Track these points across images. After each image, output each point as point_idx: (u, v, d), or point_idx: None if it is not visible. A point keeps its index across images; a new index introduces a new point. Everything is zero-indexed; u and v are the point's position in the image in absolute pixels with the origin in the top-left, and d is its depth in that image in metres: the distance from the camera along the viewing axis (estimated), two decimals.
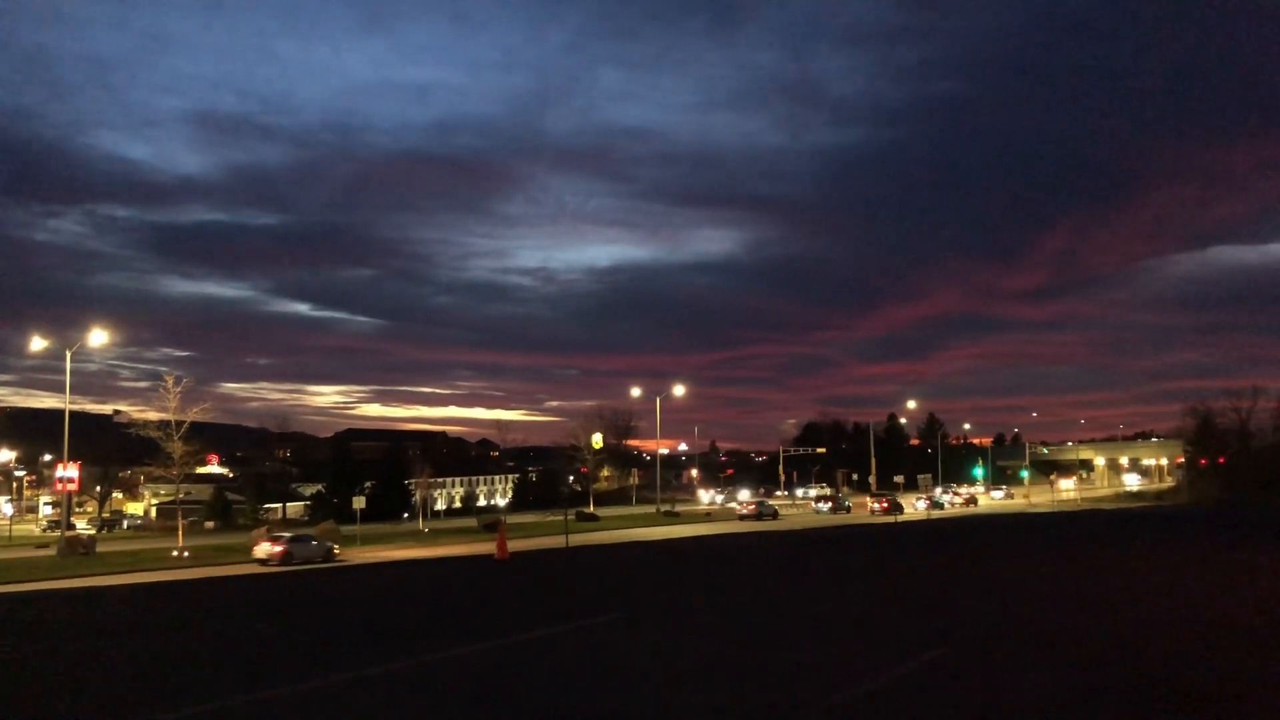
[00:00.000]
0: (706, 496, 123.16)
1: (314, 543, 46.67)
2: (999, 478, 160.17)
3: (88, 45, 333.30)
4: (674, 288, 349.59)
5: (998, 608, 18.34)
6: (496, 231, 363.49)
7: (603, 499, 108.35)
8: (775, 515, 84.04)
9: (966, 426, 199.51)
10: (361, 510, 59.81)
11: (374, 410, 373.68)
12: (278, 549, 44.07)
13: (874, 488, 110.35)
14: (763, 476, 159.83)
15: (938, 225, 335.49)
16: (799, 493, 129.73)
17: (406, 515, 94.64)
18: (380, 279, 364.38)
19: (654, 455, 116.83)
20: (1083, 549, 35.74)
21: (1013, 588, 22.58)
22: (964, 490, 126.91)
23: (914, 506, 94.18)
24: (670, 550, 41.44)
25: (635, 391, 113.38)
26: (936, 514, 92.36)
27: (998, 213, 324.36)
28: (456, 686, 11.37)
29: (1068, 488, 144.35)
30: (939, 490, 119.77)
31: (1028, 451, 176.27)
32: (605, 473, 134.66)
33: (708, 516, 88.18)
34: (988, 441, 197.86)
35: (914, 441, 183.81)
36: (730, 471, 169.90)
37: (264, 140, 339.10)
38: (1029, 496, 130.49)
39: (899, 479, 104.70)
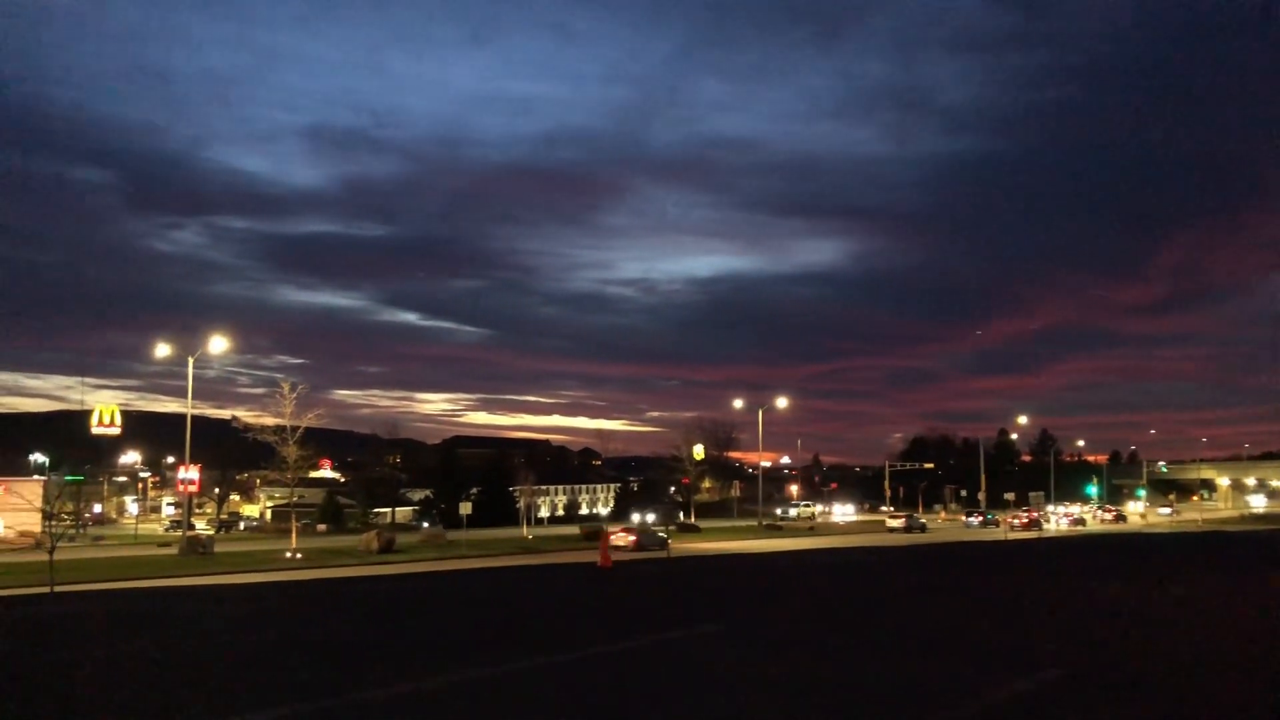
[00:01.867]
0: (797, 510, 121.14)
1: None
2: (1114, 496, 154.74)
3: (208, 63, 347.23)
4: (775, 298, 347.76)
5: (1122, 631, 17.66)
6: (599, 243, 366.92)
7: (703, 510, 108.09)
8: (924, 529, 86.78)
9: (1080, 443, 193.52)
10: (468, 516, 60.75)
11: (480, 418, 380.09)
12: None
13: (983, 505, 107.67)
14: (867, 491, 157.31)
15: (1049, 236, 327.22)
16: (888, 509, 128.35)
17: (528, 522, 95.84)
18: (486, 290, 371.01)
19: (756, 467, 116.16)
20: (1224, 572, 34.22)
21: (1142, 610, 21.73)
22: (1075, 509, 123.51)
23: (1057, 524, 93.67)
24: (772, 564, 41.05)
25: (737, 403, 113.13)
26: (1080, 530, 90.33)
27: (1113, 223, 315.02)
28: (556, 693, 11.41)
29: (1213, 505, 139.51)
30: (1078, 507, 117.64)
31: (1145, 470, 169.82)
32: (706, 484, 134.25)
33: (811, 530, 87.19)
34: (1103, 459, 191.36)
35: (1025, 458, 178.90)
36: (834, 485, 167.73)
37: (375, 153, 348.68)
38: (1145, 516, 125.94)
39: (1009, 496, 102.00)
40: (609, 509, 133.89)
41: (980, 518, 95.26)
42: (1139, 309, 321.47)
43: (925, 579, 31.14)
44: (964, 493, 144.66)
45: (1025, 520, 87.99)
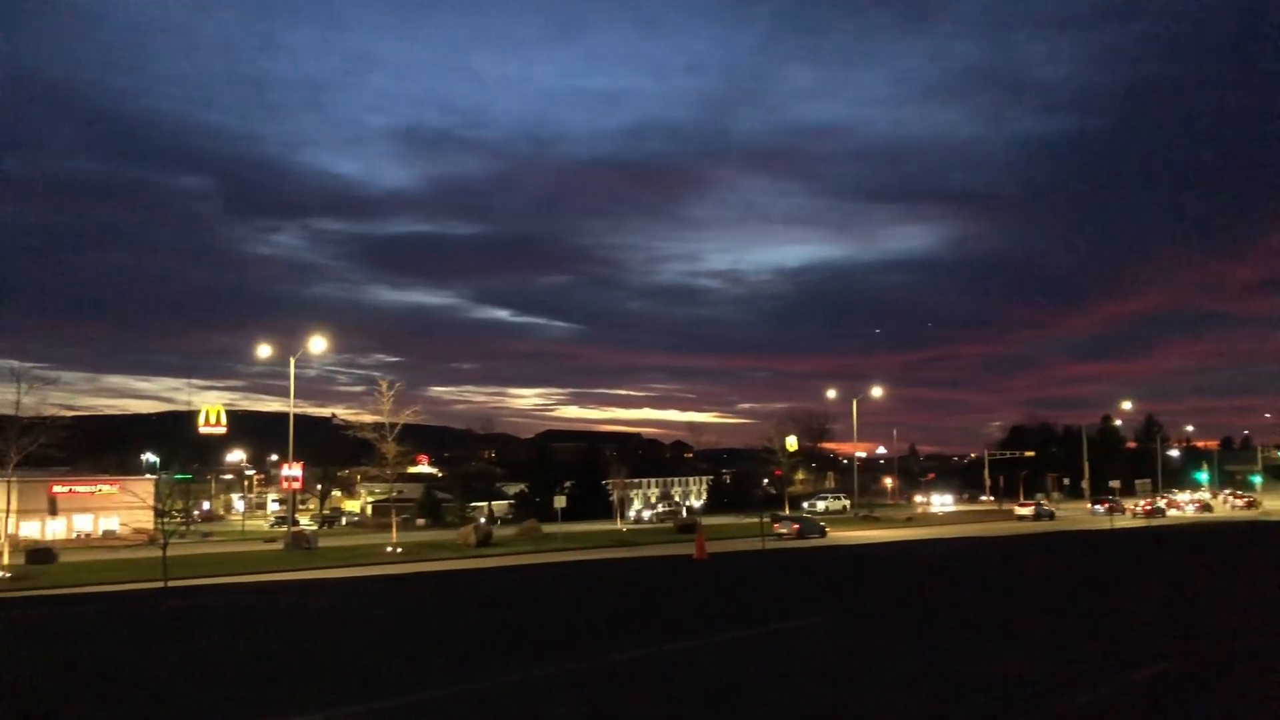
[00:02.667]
0: (825, 502, 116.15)
1: None
2: (1226, 482, 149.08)
3: (301, 69, 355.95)
4: (867, 286, 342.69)
5: (1244, 624, 16.87)
6: (686, 235, 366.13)
7: (798, 502, 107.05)
8: (1052, 516, 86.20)
9: (1189, 429, 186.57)
10: (562, 509, 61.17)
11: (572, 412, 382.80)
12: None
13: (1088, 493, 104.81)
14: (966, 481, 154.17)
15: (1153, 216, 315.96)
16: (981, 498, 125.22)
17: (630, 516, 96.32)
18: (575, 285, 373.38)
19: (850, 458, 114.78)
20: None
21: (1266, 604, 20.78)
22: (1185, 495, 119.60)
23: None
24: (869, 555, 40.44)
25: (830, 393, 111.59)
26: (1207, 517, 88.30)
27: (1220, 201, 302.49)
28: (654, 685, 11.30)
29: None
30: (1205, 493, 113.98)
31: (1260, 455, 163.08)
32: (800, 476, 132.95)
33: (908, 521, 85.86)
34: (1213, 444, 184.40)
35: (1130, 445, 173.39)
36: (931, 475, 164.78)
37: (464, 153, 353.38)
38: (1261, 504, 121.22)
39: (1114, 484, 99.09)
40: (702, 502, 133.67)
41: (1106, 504, 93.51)
42: (1250, 289, 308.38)
43: (1066, 566, 30.32)
44: (1067, 481, 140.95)
45: (1147, 507, 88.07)
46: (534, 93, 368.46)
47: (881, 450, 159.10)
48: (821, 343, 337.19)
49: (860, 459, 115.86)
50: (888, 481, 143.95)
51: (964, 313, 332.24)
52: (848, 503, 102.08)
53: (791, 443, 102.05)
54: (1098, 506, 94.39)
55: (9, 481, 47.78)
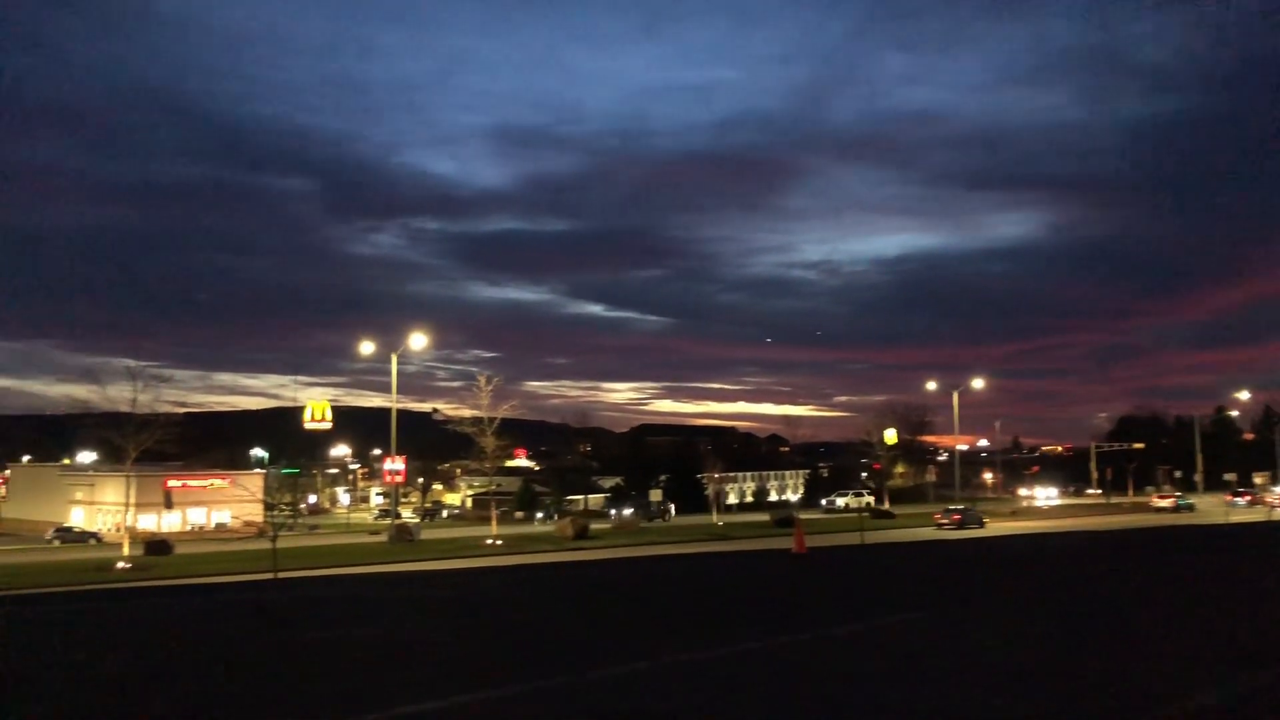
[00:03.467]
0: (845, 499, 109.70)
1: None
2: None
3: (398, 71, 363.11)
4: (967, 276, 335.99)
5: None
6: (780, 226, 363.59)
7: (897, 496, 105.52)
8: (1192, 509, 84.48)
9: None
10: (658, 503, 61.23)
11: (666, 406, 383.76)
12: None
13: (1200, 487, 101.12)
14: (1071, 474, 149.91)
15: (1265, 198, 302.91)
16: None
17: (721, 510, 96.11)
18: (668, 278, 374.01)
19: (951, 451, 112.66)
20: None
21: None
22: None
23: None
24: (975, 549, 39.51)
25: (930, 385, 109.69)
26: None
27: None
28: (754, 679, 11.11)
29: None
30: None
31: None
32: (899, 469, 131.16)
33: (1012, 514, 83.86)
34: None
35: (1247, 436, 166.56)
36: (1035, 469, 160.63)
37: (556, 149, 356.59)
38: None
39: (1230, 477, 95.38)
40: (799, 495, 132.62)
41: (1248, 497, 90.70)
42: None
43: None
44: (1178, 474, 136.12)
45: None
46: (625, 88, 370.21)
47: (983, 443, 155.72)
48: (920, 334, 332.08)
49: (961, 451, 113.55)
50: (989, 475, 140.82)
51: (1068, 301, 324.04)
52: (870, 499, 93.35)
53: (890, 436, 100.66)
54: (1238, 499, 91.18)
55: (128, 476, 49.74)
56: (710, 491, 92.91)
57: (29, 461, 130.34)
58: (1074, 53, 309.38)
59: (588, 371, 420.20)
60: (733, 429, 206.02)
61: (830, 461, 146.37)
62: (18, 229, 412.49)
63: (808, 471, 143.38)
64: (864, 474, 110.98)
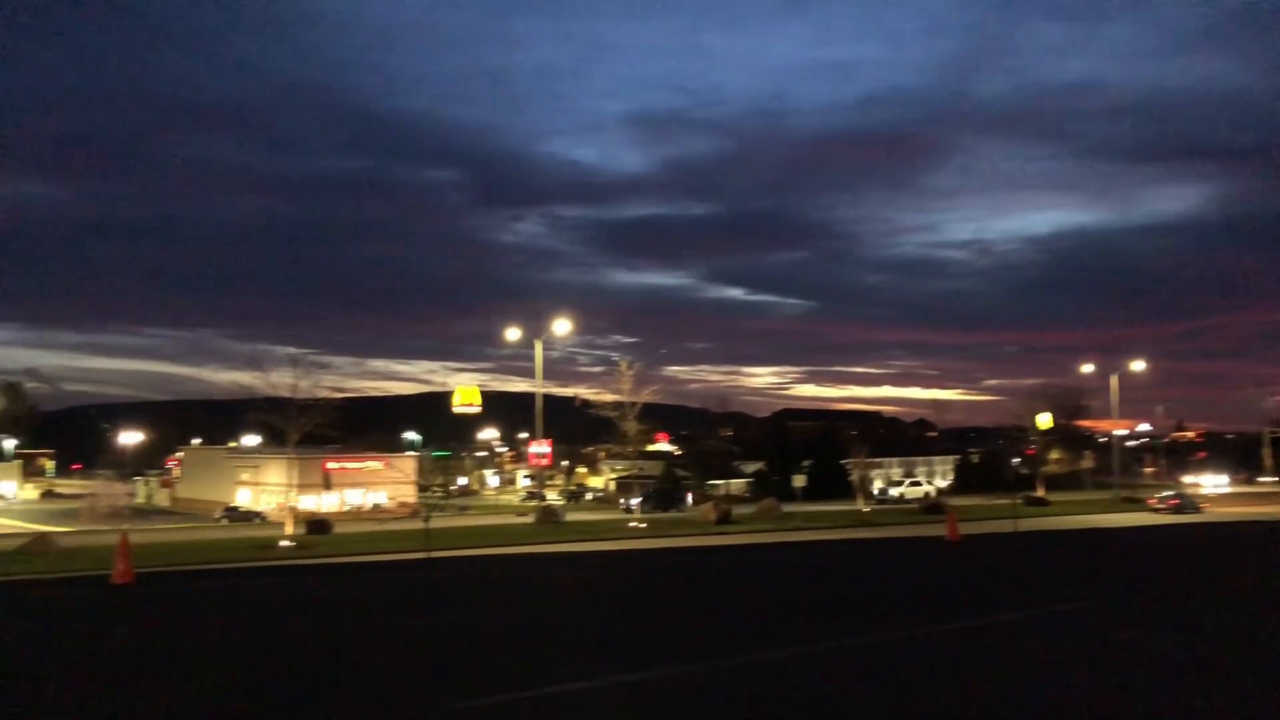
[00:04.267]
0: (900, 489, 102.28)
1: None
2: None
3: (539, 60, 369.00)
4: (1126, 253, 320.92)
5: None
6: (926, 205, 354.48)
7: (1051, 483, 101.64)
8: None
9: None
10: (801, 488, 60.56)
11: (808, 390, 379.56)
12: None
13: None
14: (1240, 460, 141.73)
15: None
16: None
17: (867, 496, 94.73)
18: (810, 261, 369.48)
19: (1110, 437, 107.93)
20: None
21: None
22: None
23: None
24: (1137, 539, 37.76)
25: (1086, 368, 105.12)
26: None
27: None
28: (905, 667, 10.81)
29: None
30: None
31: None
32: (1054, 455, 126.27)
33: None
34: None
35: None
36: (1202, 455, 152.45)
37: (696, 133, 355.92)
38: None
39: None
40: (948, 482, 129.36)
41: None
42: None
43: None
44: None
45: None
46: (765, 68, 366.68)
47: (1145, 427, 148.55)
48: (1074, 314, 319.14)
49: (1120, 437, 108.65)
50: (1150, 461, 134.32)
51: (1238, 278, 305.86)
52: (931, 488, 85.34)
53: (1044, 420, 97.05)
54: None
55: (290, 458, 51.99)
56: (855, 477, 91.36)
57: (199, 444, 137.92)
58: (1242, 14, 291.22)
59: (728, 356, 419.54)
60: (878, 414, 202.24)
61: (980, 447, 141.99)
62: (186, 224, 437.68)
63: (957, 457, 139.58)
64: (1016, 460, 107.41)
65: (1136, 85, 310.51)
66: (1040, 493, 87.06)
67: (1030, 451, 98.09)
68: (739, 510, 62.56)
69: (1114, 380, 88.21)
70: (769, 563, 28.35)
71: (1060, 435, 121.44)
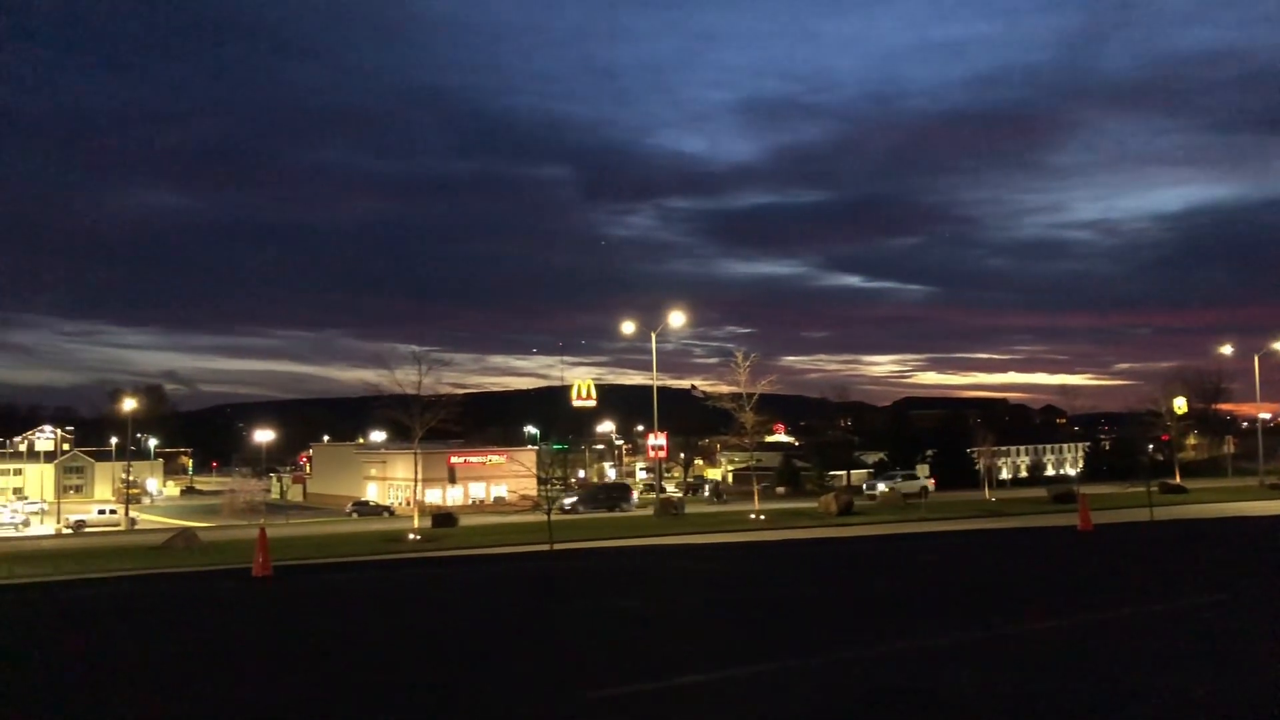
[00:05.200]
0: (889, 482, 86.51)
1: None
2: None
3: (647, 54, 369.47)
4: (1264, 228, 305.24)
5: None
6: (1048, 185, 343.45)
7: (1190, 470, 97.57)
8: None
9: None
10: (925, 478, 59.41)
11: (930, 378, 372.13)
12: None
13: None
14: None
15: None
16: None
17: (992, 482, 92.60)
18: (928, 245, 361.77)
19: (1253, 421, 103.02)
20: None
21: None
22: None
23: None
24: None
25: (1225, 349, 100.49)
26: None
27: None
28: (1036, 661, 10.47)
29: None
30: None
31: None
32: (1191, 441, 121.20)
33: None
34: None
35: None
36: None
37: (806, 119, 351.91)
38: None
39: None
40: (1078, 470, 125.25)
41: None
42: None
43: None
44: None
45: None
46: (876, 50, 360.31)
47: None
48: (1210, 294, 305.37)
49: (1264, 420, 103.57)
50: None
51: None
52: (930, 483, 69.95)
53: (1180, 405, 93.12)
54: None
55: (415, 453, 53.36)
56: (981, 466, 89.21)
57: (328, 441, 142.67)
58: None
59: (846, 345, 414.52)
60: (1003, 400, 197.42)
61: (1113, 433, 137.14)
62: (310, 228, 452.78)
63: (1088, 444, 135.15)
64: (1151, 446, 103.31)
65: (1270, 52, 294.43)
66: (1177, 480, 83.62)
67: (1165, 437, 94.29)
68: (861, 501, 61.77)
69: (1256, 362, 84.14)
70: (893, 553, 27.89)
71: (1198, 420, 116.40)
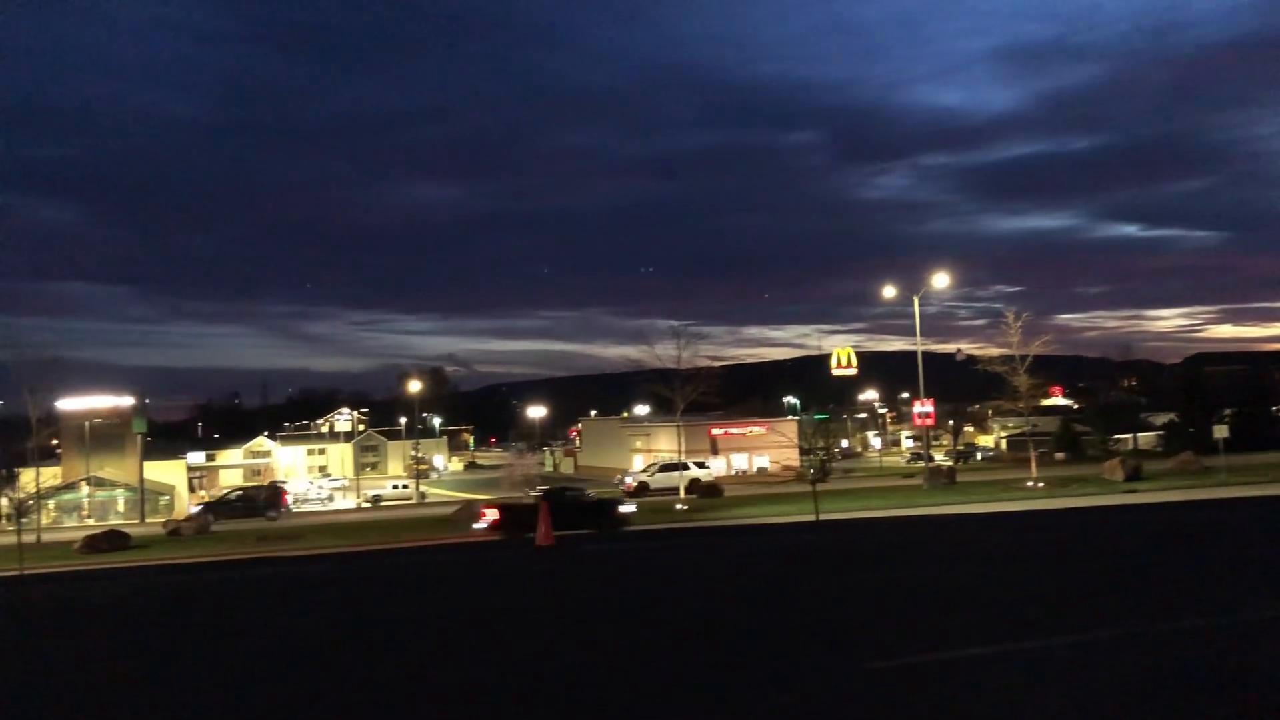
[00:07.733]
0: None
1: None
2: None
3: (894, 7, 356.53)
4: None
5: None
6: None
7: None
8: None
9: None
10: (1224, 439, 54.49)
11: (1224, 331, 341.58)
12: None
13: None
14: None
15: None
16: None
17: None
18: (1217, 187, 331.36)
19: None
20: None
21: None
22: None
23: None
24: None
25: None
26: None
27: None
28: None
29: None
30: None
31: None
32: None
33: None
34: None
35: None
36: None
37: (1070, 61, 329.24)
38: None
39: None
40: None
41: None
42: None
43: None
44: None
45: None
46: None
47: None
48: None
49: None
50: None
51: None
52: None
53: None
54: None
55: (678, 425, 54.41)
56: None
57: (595, 416, 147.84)
58: None
59: (1126, 299, 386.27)
60: None
61: None
62: (565, 209, 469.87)
63: None
64: None
65: None
66: None
67: None
68: (1151, 465, 57.62)
69: None
70: (1188, 522, 25.79)
71: None
